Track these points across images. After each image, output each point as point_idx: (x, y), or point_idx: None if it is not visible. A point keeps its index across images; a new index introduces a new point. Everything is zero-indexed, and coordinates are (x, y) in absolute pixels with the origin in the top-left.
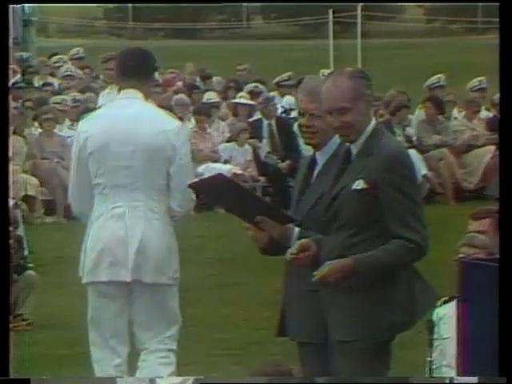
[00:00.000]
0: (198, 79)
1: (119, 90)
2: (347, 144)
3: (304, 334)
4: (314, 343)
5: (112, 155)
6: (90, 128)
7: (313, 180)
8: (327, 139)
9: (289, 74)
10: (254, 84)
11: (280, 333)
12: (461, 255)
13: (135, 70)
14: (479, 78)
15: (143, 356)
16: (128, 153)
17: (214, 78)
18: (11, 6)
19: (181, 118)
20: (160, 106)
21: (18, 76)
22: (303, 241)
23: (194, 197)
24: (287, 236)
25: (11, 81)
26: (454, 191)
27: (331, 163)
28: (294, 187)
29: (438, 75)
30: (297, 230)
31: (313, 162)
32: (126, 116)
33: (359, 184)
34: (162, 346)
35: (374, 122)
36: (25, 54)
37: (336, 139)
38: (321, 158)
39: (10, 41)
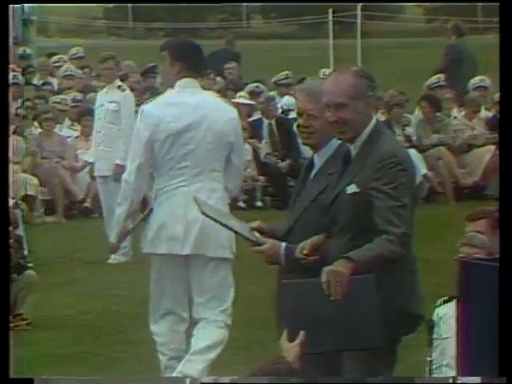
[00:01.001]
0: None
1: (178, 78)
2: (347, 145)
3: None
4: None
5: (183, 140)
6: (161, 113)
7: (309, 182)
8: (325, 140)
9: (286, 72)
10: (255, 84)
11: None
12: (461, 255)
13: (197, 63)
14: (481, 77)
15: (201, 324)
16: (197, 138)
17: (218, 78)
18: (11, 5)
19: None
20: None
21: (18, 74)
22: (315, 240)
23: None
24: (278, 253)
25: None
26: (454, 190)
27: (329, 165)
28: (294, 189)
29: (438, 75)
30: (283, 244)
31: (310, 163)
32: (196, 103)
33: (352, 188)
34: (219, 318)
35: (373, 122)
36: (27, 50)
37: (335, 141)
38: (319, 160)
39: (10, 40)
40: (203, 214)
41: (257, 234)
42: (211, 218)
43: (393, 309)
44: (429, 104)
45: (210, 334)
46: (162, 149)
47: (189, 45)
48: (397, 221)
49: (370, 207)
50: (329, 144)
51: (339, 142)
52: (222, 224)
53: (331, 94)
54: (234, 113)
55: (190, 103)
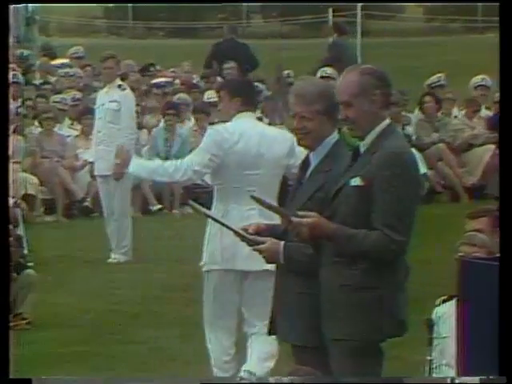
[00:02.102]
0: (195, 77)
1: (238, 111)
2: (357, 143)
3: (294, 337)
4: (305, 346)
5: (251, 166)
6: (239, 138)
7: (305, 180)
8: (320, 140)
9: (287, 72)
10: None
11: (271, 332)
12: (460, 254)
13: (253, 99)
14: (482, 76)
15: (255, 337)
16: (263, 165)
17: (218, 79)
18: (12, 5)
19: (182, 117)
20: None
21: (18, 73)
22: (260, 225)
23: None
24: (277, 252)
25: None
26: (460, 188)
27: (325, 163)
28: (291, 187)
29: (439, 74)
30: (282, 243)
31: (306, 162)
32: (258, 134)
33: (356, 181)
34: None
35: (386, 121)
36: (25, 52)
37: (330, 139)
38: (315, 159)
39: (11, 39)
40: (204, 214)
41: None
42: (212, 218)
43: (377, 310)
44: (433, 99)
45: (264, 344)
46: (232, 171)
47: (246, 83)
48: (399, 227)
49: (372, 202)
50: (324, 142)
51: (334, 140)
52: (222, 224)
53: (339, 92)
54: (291, 139)
55: (253, 133)
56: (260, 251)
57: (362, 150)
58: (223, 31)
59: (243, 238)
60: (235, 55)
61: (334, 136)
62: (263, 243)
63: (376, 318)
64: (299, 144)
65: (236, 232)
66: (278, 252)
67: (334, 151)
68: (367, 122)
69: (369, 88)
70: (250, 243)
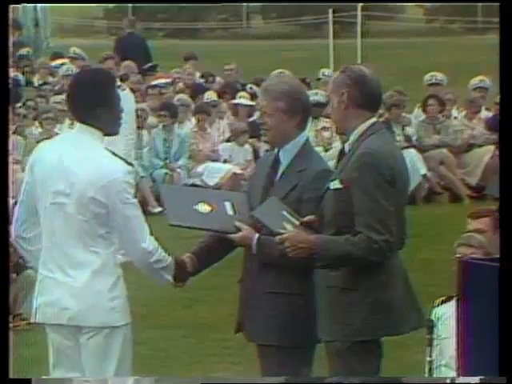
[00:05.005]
0: (198, 77)
1: None
2: (310, 144)
3: (264, 337)
4: (273, 345)
5: None
6: None
7: (277, 179)
8: (284, 138)
9: (278, 71)
10: (249, 85)
11: (237, 330)
12: (458, 255)
13: None
14: (481, 77)
15: None
16: None
17: (218, 79)
18: (22, 5)
19: (182, 118)
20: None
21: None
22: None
23: None
24: (250, 245)
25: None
26: (454, 192)
27: (297, 163)
28: (254, 185)
29: (431, 73)
30: (256, 236)
31: (276, 161)
32: None
33: (335, 183)
34: None
35: (371, 121)
36: (25, 51)
37: (299, 140)
38: (284, 158)
39: (11, 40)
40: (171, 225)
41: (229, 211)
42: (180, 226)
43: (356, 311)
44: (436, 102)
45: None
46: None
47: None
48: (379, 227)
49: (351, 205)
50: (293, 142)
51: (303, 139)
52: (194, 228)
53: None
54: None
55: None
56: (233, 240)
57: (346, 150)
58: (124, 25)
59: (220, 232)
60: (134, 50)
61: (303, 135)
62: (238, 232)
63: (355, 319)
64: (264, 140)
65: (212, 229)
66: (252, 245)
67: (304, 150)
68: (340, 119)
69: (339, 86)
70: (227, 234)
